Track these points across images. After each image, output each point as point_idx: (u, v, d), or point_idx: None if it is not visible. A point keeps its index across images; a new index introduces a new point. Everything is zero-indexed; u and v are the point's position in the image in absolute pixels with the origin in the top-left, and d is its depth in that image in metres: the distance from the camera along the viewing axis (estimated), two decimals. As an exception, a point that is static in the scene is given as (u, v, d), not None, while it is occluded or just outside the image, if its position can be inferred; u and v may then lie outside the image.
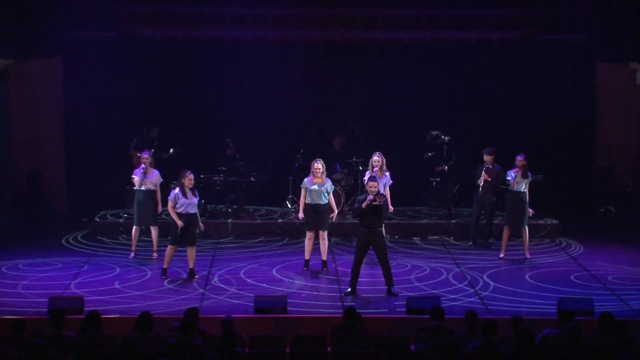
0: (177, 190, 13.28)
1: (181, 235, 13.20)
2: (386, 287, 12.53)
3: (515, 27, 18.21)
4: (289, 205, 17.27)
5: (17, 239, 16.04)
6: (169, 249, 13.34)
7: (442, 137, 17.17)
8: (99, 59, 17.80)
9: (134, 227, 14.58)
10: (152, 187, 14.35)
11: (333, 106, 18.57)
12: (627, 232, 16.95)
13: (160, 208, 14.41)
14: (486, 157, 15.26)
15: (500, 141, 16.66)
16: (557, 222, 16.67)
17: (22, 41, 16.84)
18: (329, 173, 15.24)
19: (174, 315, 10.89)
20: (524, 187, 14.58)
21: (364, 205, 12.36)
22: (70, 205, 18.22)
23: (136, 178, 14.36)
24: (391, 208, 14.47)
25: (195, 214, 13.31)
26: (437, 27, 18.20)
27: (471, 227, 15.86)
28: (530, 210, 14.67)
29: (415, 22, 18.21)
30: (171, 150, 16.93)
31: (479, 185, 15.28)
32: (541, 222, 16.53)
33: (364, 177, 14.48)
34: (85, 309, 10.92)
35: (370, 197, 12.37)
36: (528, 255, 14.74)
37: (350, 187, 17.14)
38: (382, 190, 13.59)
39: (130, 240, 14.74)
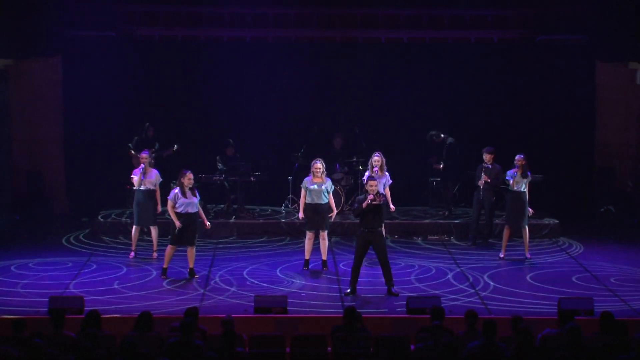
0: (176, 190, 13.29)
1: (180, 235, 13.20)
2: (386, 287, 12.53)
3: (515, 27, 18.23)
4: (289, 205, 17.28)
5: (17, 239, 16.04)
6: (169, 249, 13.34)
7: (442, 135, 17.19)
8: (99, 58, 17.79)
9: (134, 226, 14.58)
10: (152, 187, 14.35)
11: (333, 106, 18.56)
12: (627, 232, 16.96)
13: (160, 208, 14.41)
14: (486, 157, 15.26)
15: (500, 141, 16.65)
16: (557, 222, 16.68)
17: (22, 41, 16.85)
18: (329, 173, 15.24)
19: (174, 315, 10.88)
20: (523, 187, 14.58)
21: (364, 205, 12.36)
22: (70, 205, 18.21)
23: (135, 178, 14.36)
24: (392, 207, 14.48)
25: (195, 213, 13.30)
26: (437, 27, 18.22)
27: (471, 227, 15.86)
28: (531, 210, 14.68)
29: (414, 22, 18.23)
30: (175, 146, 16.99)
31: (479, 185, 15.29)
32: (541, 222, 16.53)
33: (364, 177, 14.48)
34: (85, 308, 10.92)
35: (371, 196, 12.37)
36: (528, 255, 14.74)
37: (350, 187, 17.15)
38: (382, 190, 13.59)
39: (130, 240, 14.74)
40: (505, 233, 14.82)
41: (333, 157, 17.23)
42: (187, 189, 13.22)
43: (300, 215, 14.05)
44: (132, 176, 14.50)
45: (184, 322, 8.92)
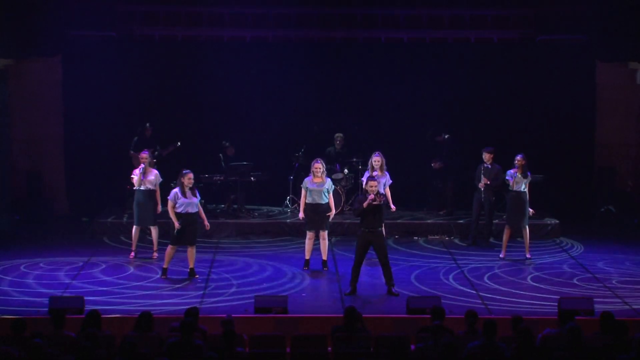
0: (176, 189, 13.28)
1: (180, 235, 13.20)
2: (386, 287, 12.53)
3: (515, 27, 18.23)
4: (289, 205, 17.28)
5: (17, 239, 16.03)
6: (169, 249, 13.33)
7: (442, 134, 17.17)
8: (99, 58, 17.77)
9: (134, 227, 14.57)
10: (152, 187, 14.33)
11: (333, 106, 18.56)
12: (627, 232, 16.96)
13: (160, 208, 14.39)
14: (485, 156, 15.26)
15: (500, 141, 16.65)
16: (557, 222, 16.68)
17: (22, 41, 16.85)
18: (329, 173, 15.24)
19: (174, 315, 10.88)
20: (523, 187, 14.57)
21: (364, 204, 12.36)
22: (70, 205, 18.21)
23: (135, 178, 14.35)
24: (393, 207, 14.47)
25: (195, 213, 13.30)
26: (437, 27, 18.22)
27: (471, 227, 15.86)
28: (531, 210, 14.67)
29: (414, 22, 18.23)
30: (178, 143, 16.99)
31: (480, 187, 15.29)
32: (541, 222, 16.53)
33: (364, 177, 14.47)
34: (85, 308, 10.92)
35: (371, 196, 12.37)
36: (528, 255, 14.74)
37: (350, 187, 17.15)
38: (382, 190, 13.59)
39: (131, 240, 14.74)
40: (506, 233, 14.81)
41: (333, 157, 17.23)
42: (187, 189, 13.22)
43: (301, 215, 14.04)
44: (132, 176, 14.50)
45: (184, 322, 8.92)
